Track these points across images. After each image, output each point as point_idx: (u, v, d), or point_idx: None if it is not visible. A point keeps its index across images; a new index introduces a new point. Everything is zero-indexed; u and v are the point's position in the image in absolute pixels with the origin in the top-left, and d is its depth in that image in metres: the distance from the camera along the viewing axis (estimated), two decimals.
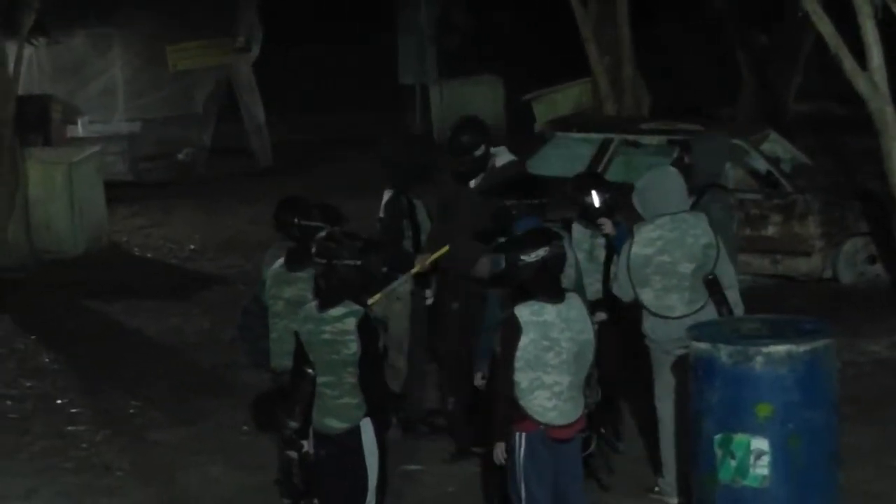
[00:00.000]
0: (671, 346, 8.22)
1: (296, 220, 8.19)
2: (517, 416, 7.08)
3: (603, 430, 8.10)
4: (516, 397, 7.06)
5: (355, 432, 7.19)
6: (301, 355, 7.25)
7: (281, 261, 8.23)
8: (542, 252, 7.08)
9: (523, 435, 7.10)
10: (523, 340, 7.02)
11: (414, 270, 9.20)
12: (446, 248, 9.05)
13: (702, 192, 9.02)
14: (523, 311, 7.08)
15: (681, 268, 8.22)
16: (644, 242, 8.24)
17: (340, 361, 7.14)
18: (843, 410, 7.54)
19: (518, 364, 7.03)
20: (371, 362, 7.19)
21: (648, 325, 8.35)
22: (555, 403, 7.05)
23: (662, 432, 8.45)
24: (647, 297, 8.26)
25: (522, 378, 7.04)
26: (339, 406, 7.17)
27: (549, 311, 7.08)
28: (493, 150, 9.15)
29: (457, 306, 9.08)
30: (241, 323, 8.48)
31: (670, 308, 8.24)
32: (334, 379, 7.17)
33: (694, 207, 8.72)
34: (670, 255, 8.22)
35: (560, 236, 7.43)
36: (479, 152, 9.01)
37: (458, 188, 9.10)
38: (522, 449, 7.11)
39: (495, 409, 7.18)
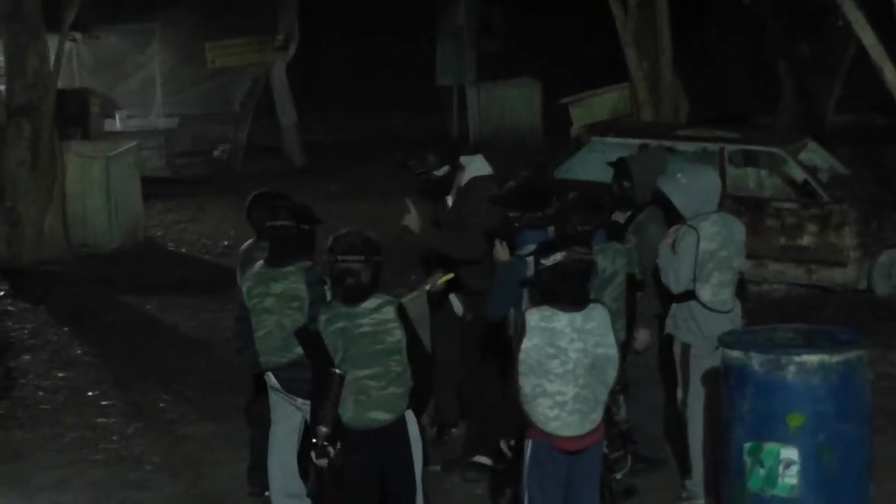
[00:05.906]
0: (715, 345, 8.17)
1: (268, 223, 8.11)
2: (525, 421, 6.99)
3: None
4: (521, 402, 6.95)
5: (401, 423, 7.13)
6: (324, 357, 7.11)
7: (261, 262, 8.18)
8: (558, 256, 6.94)
9: (530, 442, 7.01)
10: (526, 344, 6.90)
11: (427, 288, 9.03)
12: (451, 274, 8.76)
13: (639, 208, 8.86)
14: (533, 315, 6.95)
15: (734, 262, 8.32)
16: (708, 237, 8.25)
17: (385, 350, 7.08)
18: (875, 422, 7.50)
19: (521, 368, 6.91)
20: (417, 347, 7.15)
21: (701, 321, 8.29)
22: (557, 413, 6.90)
23: (692, 433, 8.40)
24: (705, 293, 8.26)
25: (525, 383, 6.92)
26: (385, 397, 7.09)
27: (560, 319, 6.92)
28: (465, 159, 8.97)
29: (470, 317, 9.02)
30: (240, 331, 8.41)
31: (724, 302, 8.29)
32: (380, 370, 7.07)
33: (629, 225, 8.75)
34: (727, 249, 8.30)
35: (588, 243, 7.17)
36: (439, 172, 8.89)
37: (437, 206, 9.00)
38: (528, 456, 7.02)
39: (507, 408, 7.11)
